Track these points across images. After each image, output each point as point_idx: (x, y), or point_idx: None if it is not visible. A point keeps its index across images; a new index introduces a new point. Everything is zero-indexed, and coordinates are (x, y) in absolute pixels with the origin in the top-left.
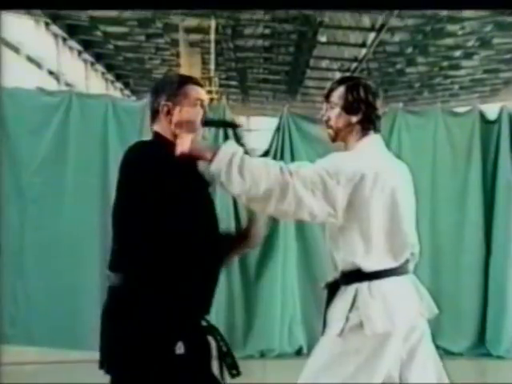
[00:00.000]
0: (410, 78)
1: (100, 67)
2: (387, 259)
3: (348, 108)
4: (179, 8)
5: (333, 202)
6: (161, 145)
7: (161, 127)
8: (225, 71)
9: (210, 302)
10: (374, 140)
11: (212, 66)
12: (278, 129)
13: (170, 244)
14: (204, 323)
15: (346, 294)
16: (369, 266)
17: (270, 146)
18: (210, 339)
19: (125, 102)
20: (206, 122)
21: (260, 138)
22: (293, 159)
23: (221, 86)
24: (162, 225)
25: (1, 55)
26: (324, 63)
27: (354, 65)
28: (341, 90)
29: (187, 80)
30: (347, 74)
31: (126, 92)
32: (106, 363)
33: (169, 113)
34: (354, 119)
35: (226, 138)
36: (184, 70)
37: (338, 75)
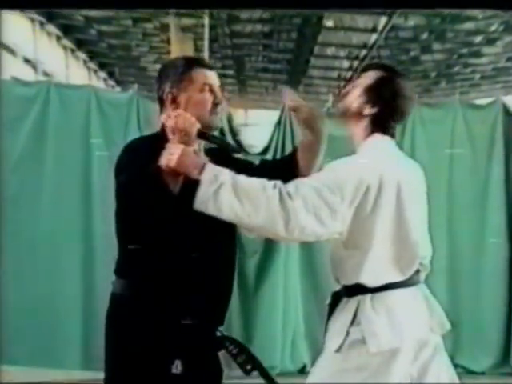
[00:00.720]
0: (425, 66)
1: (81, 55)
2: (393, 273)
3: (368, 95)
4: (177, 8)
5: (339, 221)
6: (164, 138)
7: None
8: (220, 59)
9: (221, 313)
10: (382, 140)
11: (206, 54)
12: (278, 123)
13: (167, 251)
14: (218, 334)
15: (348, 306)
16: (372, 281)
17: (270, 142)
18: (222, 355)
19: (109, 94)
20: (204, 136)
21: (259, 133)
22: None
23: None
24: (155, 229)
25: None
26: (330, 51)
27: (364, 52)
28: (375, 74)
29: (193, 63)
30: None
31: (111, 82)
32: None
33: (174, 101)
34: (367, 111)
35: (221, 132)
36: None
37: (345, 64)
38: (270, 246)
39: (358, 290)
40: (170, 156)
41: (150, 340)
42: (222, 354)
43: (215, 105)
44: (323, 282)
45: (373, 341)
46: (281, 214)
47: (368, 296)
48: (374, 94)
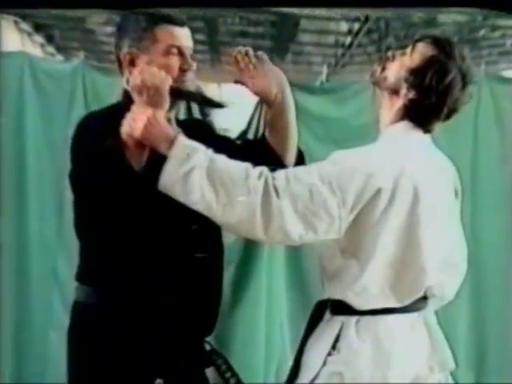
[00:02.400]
0: (443, 29)
1: (10, 17)
2: (388, 298)
3: (411, 75)
4: (174, 7)
5: (335, 229)
6: (127, 107)
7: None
8: (187, 20)
9: (210, 320)
10: (411, 131)
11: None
12: (259, 101)
13: (139, 247)
14: (207, 347)
15: (329, 326)
16: (360, 302)
17: (249, 125)
18: (210, 371)
19: (48, 63)
20: (180, 93)
21: (235, 113)
22: None
23: None
24: (123, 220)
25: None
26: (324, 11)
27: (367, 12)
28: (427, 50)
29: (158, 17)
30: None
31: (50, 49)
32: None
33: (132, 63)
34: (403, 92)
35: (188, 111)
36: None
37: (344, 26)
38: (248, 254)
39: (343, 308)
40: (134, 123)
41: (125, 357)
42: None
43: (183, 72)
44: (314, 296)
45: (350, 374)
46: (261, 213)
47: (353, 318)
48: (415, 75)
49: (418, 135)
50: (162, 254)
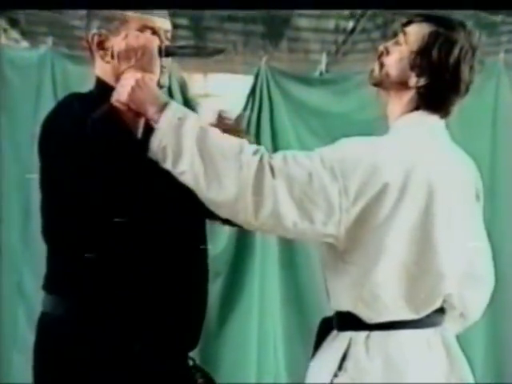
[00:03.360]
0: (458, 13)
1: None
2: (402, 309)
3: (416, 61)
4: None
5: (334, 221)
6: (99, 96)
7: (101, 68)
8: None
9: (192, 334)
10: (426, 119)
11: None
12: (252, 93)
13: (116, 252)
14: (190, 363)
15: (336, 344)
16: (371, 314)
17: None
18: None
19: (12, 51)
20: (170, 51)
21: (224, 107)
22: (274, 141)
23: None
24: (99, 223)
25: None
26: None
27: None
28: (423, 29)
29: None
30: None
31: (14, 34)
32: None
33: (102, 46)
34: (413, 81)
35: None
36: None
37: (346, 12)
38: (238, 265)
39: (351, 322)
40: (121, 88)
41: (96, 373)
42: None
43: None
44: (313, 312)
45: None
46: (253, 191)
47: (363, 334)
48: (420, 58)
49: (433, 125)
50: (140, 261)
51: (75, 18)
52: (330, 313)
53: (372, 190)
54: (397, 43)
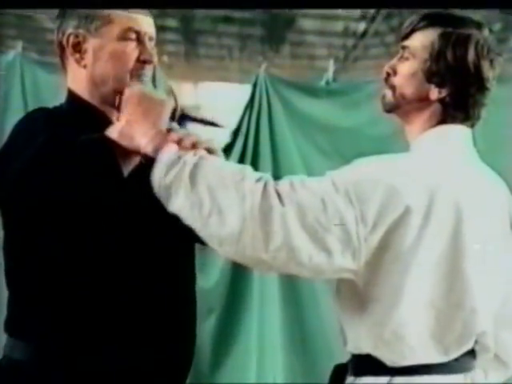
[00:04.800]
0: (483, 14)
1: None
2: (430, 350)
3: (432, 71)
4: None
5: (351, 252)
6: (71, 113)
7: (74, 78)
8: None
9: (178, 379)
10: (451, 132)
11: None
12: (249, 105)
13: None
14: None
15: None
16: (394, 357)
17: (236, 134)
18: None
19: None
20: (183, 118)
21: (218, 120)
22: (275, 160)
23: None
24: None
25: None
26: None
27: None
28: (430, 34)
29: None
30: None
31: None
32: None
33: (78, 48)
34: (435, 94)
35: None
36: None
37: (356, 10)
38: (234, 300)
39: (370, 365)
40: (125, 131)
41: None
42: None
43: (141, 63)
44: (319, 355)
45: None
46: (260, 222)
47: (384, 379)
48: (436, 66)
49: (460, 139)
50: (111, 299)
51: (47, 19)
52: (339, 356)
53: (392, 215)
54: (402, 59)
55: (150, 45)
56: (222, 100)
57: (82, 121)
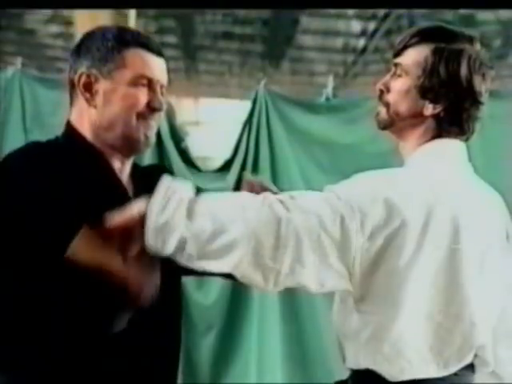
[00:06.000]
0: (484, 29)
1: None
2: (429, 364)
3: (426, 87)
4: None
5: (347, 258)
6: (68, 148)
7: (78, 114)
8: (155, 19)
9: None
10: (446, 146)
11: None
12: (248, 121)
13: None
14: None
15: None
16: (393, 373)
17: (236, 151)
18: None
19: None
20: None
21: (217, 137)
22: (274, 175)
23: None
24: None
25: None
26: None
27: (383, 10)
28: (422, 50)
29: (131, 38)
30: (434, 24)
31: None
32: None
33: (89, 88)
34: (430, 110)
35: (158, 137)
36: (81, 22)
37: (355, 26)
38: (233, 317)
39: (370, 381)
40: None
41: None
42: None
43: (150, 110)
44: (318, 371)
45: None
46: (266, 227)
47: None
48: (429, 82)
49: (455, 153)
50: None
51: (47, 36)
52: (339, 372)
53: (390, 228)
54: (395, 76)
55: (161, 90)
56: (221, 116)
57: (80, 159)
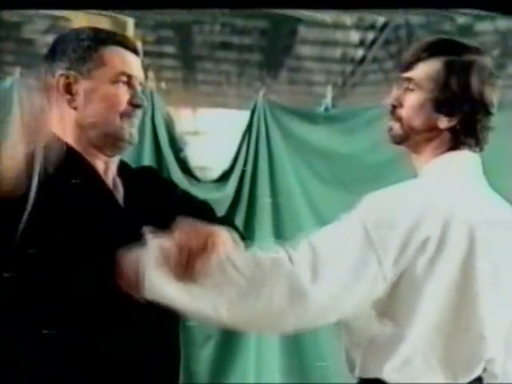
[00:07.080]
0: (483, 39)
1: None
2: (438, 375)
3: (440, 101)
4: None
5: (377, 285)
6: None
7: (61, 121)
8: (153, 29)
9: None
10: (460, 159)
11: (130, 20)
12: (247, 131)
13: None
14: None
15: None
16: (402, 380)
17: (234, 161)
18: None
19: None
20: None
21: (215, 146)
22: (273, 186)
23: (147, 54)
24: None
25: None
26: (329, 16)
27: (382, 19)
28: (434, 64)
29: (108, 38)
30: (442, 36)
31: None
32: None
33: (69, 90)
34: (445, 123)
35: (156, 146)
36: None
37: (354, 36)
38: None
39: None
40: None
41: None
42: None
43: (133, 106)
44: (317, 380)
45: None
46: (278, 276)
47: None
48: (444, 95)
49: (469, 165)
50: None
51: (46, 45)
52: (338, 382)
53: (413, 247)
54: (408, 91)
55: (140, 87)
56: (220, 126)
57: (63, 163)
